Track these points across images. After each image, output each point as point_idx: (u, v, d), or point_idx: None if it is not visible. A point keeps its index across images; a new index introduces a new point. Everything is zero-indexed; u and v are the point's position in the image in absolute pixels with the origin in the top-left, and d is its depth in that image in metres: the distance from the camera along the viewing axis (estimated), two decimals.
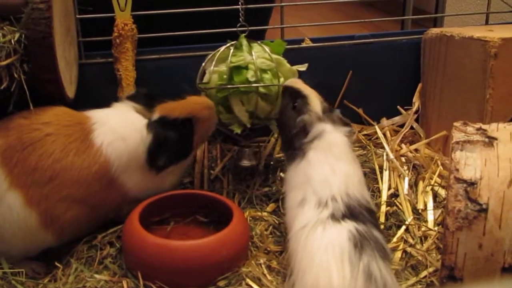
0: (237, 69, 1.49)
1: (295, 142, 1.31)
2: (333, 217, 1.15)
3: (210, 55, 1.57)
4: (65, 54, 1.41)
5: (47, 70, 1.29)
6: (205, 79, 1.55)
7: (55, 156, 1.27)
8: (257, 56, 1.51)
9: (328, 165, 1.23)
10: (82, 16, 1.61)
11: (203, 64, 1.58)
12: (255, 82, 1.48)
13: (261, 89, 1.49)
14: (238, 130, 1.55)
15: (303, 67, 1.59)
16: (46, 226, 1.27)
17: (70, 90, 1.46)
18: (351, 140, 1.33)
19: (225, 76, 1.49)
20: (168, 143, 1.37)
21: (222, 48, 1.55)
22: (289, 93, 1.41)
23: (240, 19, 1.58)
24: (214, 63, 1.53)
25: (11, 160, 1.24)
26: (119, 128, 1.36)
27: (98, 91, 1.65)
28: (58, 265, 1.32)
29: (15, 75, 1.26)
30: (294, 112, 1.35)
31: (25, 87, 1.26)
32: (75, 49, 1.59)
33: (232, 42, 1.56)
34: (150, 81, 1.67)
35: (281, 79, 1.51)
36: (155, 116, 1.39)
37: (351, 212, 1.16)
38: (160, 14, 1.65)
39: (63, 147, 1.28)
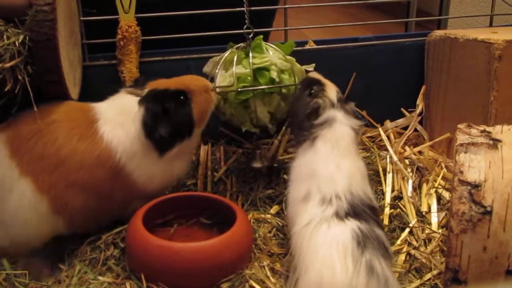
0: (260, 71, 1.49)
1: (305, 124, 1.32)
2: (337, 215, 1.16)
3: (211, 60, 1.57)
4: (69, 56, 1.41)
5: (51, 71, 1.30)
6: (227, 83, 1.51)
7: (59, 143, 1.30)
8: (275, 57, 1.51)
9: (333, 161, 1.25)
10: (86, 18, 1.61)
11: (205, 69, 1.58)
12: (278, 82, 1.48)
13: (283, 90, 1.50)
14: (256, 130, 1.56)
15: (310, 67, 1.60)
16: (57, 212, 1.31)
17: (74, 92, 1.46)
18: (359, 134, 1.35)
19: (249, 78, 1.47)
20: (162, 112, 1.35)
21: (227, 53, 1.54)
22: (307, 82, 1.44)
23: (246, 21, 1.57)
24: (220, 66, 1.52)
25: (19, 150, 1.28)
26: (116, 116, 1.37)
27: (102, 93, 1.65)
28: (62, 266, 1.32)
29: (19, 77, 1.26)
30: (310, 98, 1.37)
31: (29, 88, 1.27)
32: (79, 51, 1.59)
33: (238, 45, 1.55)
34: None
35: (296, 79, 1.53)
36: (145, 91, 1.39)
37: (354, 211, 1.17)
38: (164, 17, 1.66)
39: (65, 133, 1.31)
